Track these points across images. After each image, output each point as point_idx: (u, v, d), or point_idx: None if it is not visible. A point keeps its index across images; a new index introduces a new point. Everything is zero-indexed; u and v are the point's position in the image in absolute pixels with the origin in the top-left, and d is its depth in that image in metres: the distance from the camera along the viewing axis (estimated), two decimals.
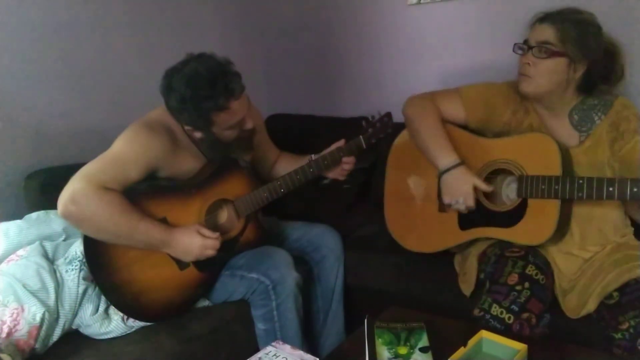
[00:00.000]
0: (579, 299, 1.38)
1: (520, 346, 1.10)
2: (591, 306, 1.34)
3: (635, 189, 1.26)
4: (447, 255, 1.68)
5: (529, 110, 1.53)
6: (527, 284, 1.33)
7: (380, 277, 1.82)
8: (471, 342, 1.12)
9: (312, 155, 1.72)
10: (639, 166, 1.37)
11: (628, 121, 1.40)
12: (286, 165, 1.75)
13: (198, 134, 1.57)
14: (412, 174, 1.71)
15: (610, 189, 1.29)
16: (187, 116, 1.51)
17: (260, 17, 2.67)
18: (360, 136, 1.71)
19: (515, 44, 1.45)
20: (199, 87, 1.45)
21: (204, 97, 1.46)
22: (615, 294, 1.31)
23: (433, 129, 1.57)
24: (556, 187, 1.36)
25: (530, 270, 1.37)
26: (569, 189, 1.34)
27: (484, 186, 1.48)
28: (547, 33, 1.38)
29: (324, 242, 1.83)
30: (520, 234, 1.45)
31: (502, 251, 1.47)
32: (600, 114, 1.44)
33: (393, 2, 2.27)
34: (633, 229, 1.50)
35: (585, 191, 1.32)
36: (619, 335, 1.24)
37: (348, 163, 1.73)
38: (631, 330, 1.22)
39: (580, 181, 1.33)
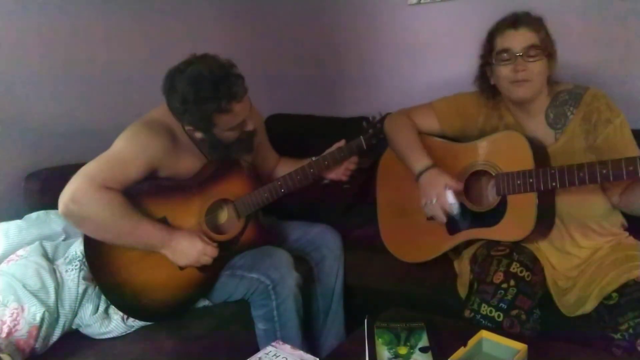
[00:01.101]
0: (578, 299, 1.39)
1: (520, 346, 1.10)
2: (589, 307, 1.34)
3: (604, 171, 1.27)
4: (446, 256, 1.68)
5: (502, 115, 1.55)
6: (512, 282, 1.36)
7: (380, 277, 1.82)
8: (471, 342, 1.12)
9: (313, 158, 1.72)
10: (615, 154, 1.37)
11: (599, 112, 1.42)
12: (286, 170, 1.75)
13: (199, 134, 1.57)
14: (399, 189, 1.74)
15: (581, 174, 1.30)
16: (189, 117, 1.51)
17: (260, 17, 2.67)
18: (361, 137, 1.71)
19: (497, 58, 1.43)
20: (201, 88, 1.45)
21: (206, 99, 1.46)
22: (615, 294, 1.31)
23: (407, 138, 1.63)
24: (530, 180, 1.38)
25: (515, 267, 1.39)
26: (543, 180, 1.36)
27: (454, 183, 1.50)
28: (529, 37, 1.39)
29: (324, 242, 1.83)
30: (504, 232, 1.47)
31: (488, 251, 1.49)
32: (572, 108, 1.46)
33: (393, 2, 2.27)
34: (623, 217, 1.50)
35: (558, 180, 1.34)
36: (618, 336, 1.24)
37: (352, 163, 1.73)
38: (630, 331, 1.23)
39: (552, 171, 1.35)
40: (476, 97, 1.59)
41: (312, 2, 2.52)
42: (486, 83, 1.53)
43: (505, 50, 1.42)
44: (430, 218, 1.62)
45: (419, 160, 1.57)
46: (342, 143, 1.71)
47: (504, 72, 1.43)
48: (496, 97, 1.54)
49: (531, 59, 1.39)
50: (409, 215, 1.70)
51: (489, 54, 1.47)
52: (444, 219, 1.51)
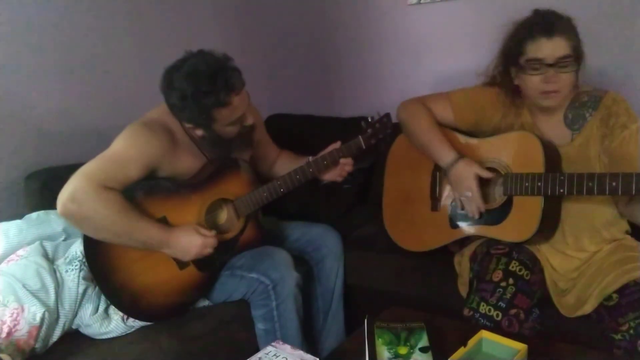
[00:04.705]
0: (578, 300, 1.39)
1: (520, 346, 1.10)
2: (588, 307, 1.34)
3: (614, 184, 1.26)
4: (447, 255, 1.68)
5: (520, 113, 1.53)
6: (511, 280, 1.35)
7: (380, 277, 1.83)
8: (471, 342, 1.12)
9: (310, 157, 1.72)
10: (628, 160, 1.37)
11: (617, 116, 1.40)
12: (287, 164, 1.75)
13: (199, 132, 1.56)
14: (407, 177, 1.74)
15: (590, 184, 1.30)
16: (188, 113, 1.51)
17: (260, 17, 2.67)
18: (360, 136, 1.71)
19: (527, 65, 1.36)
20: (199, 83, 1.45)
21: (204, 93, 1.45)
22: (615, 295, 1.31)
23: (428, 129, 1.60)
24: (539, 184, 1.38)
25: (514, 266, 1.39)
26: (551, 185, 1.36)
27: (485, 173, 1.50)
28: (563, 47, 1.33)
29: (324, 242, 1.83)
30: (506, 231, 1.48)
31: (488, 249, 1.49)
32: (590, 110, 1.44)
33: (393, 2, 2.27)
34: (628, 225, 1.50)
35: (566, 187, 1.34)
36: (618, 337, 1.24)
37: (347, 164, 1.73)
38: (631, 332, 1.23)
39: (562, 177, 1.34)
40: (495, 95, 1.54)
41: (312, 2, 2.52)
42: (509, 82, 1.47)
43: (537, 60, 1.34)
44: (436, 210, 1.62)
45: (446, 154, 1.55)
46: (337, 145, 1.71)
47: (533, 81, 1.37)
48: (517, 96, 1.49)
49: (563, 70, 1.34)
50: (414, 204, 1.70)
51: (516, 56, 1.38)
52: (476, 215, 1.50)
